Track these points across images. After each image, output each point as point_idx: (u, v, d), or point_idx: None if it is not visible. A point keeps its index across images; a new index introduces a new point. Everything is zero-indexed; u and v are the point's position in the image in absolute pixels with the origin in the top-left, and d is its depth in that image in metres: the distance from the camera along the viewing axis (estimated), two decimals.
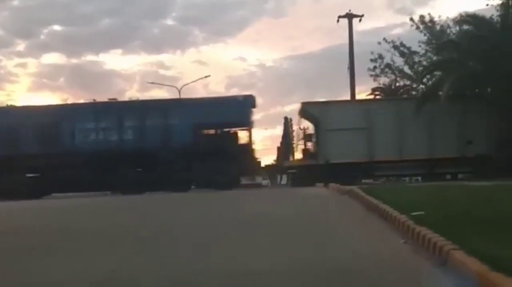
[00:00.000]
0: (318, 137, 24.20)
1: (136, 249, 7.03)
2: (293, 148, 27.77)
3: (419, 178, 25.17)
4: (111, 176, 21.54)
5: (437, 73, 26.61)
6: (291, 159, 26.76)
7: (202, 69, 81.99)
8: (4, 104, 35.08)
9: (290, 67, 78.46)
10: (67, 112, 23.14)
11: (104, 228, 8.91)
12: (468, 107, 22.67)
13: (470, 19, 24.95)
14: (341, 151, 22.61)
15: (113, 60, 78.75)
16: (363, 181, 22.79)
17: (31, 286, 5.40)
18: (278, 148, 28.33)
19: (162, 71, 76.04)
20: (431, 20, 34.71)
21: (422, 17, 34.93)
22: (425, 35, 34.58)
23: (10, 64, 77.75)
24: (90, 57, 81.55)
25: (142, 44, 79.44)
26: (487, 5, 27.88)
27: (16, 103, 38.03)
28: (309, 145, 26.27)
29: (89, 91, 74.13)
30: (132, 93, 73.10)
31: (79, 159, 21.28)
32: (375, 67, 37.52)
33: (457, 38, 27.63)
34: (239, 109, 22.28)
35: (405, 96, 34.97)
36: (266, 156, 47.39)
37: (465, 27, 26.34)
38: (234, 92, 75.51)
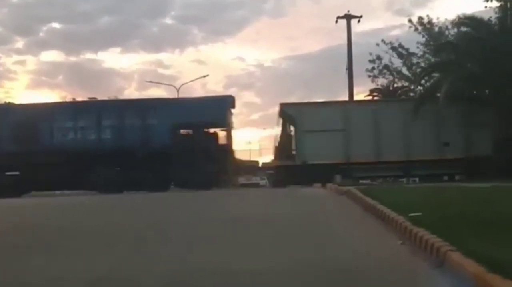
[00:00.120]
0: (295, 138, 24.27)
1: (133, 247, 7.03)
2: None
3: (417, 179, 25.23)
4: (89, 175, 21.69)
5: (435, 74, 26.65)
6: (271, 160, 26.79)
7: (201, 68, 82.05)
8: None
9: (289, 67, 78.66)
10: (46, 111, 23.22)
11: (99, 227, 8.93)
12: (464, 108, 22.80)
13: (468, 21, 25.00)
14: (318, 152, 22.76)
15: (112, 59, 78.91)
16: (340, 182, 22.91)
17: (27, 285, 5.39)
18: (276, 148, 28.30)
19: (160, 70, 76.20)
20: (430, 22, 34.75)
21: (420, 18, 34.99)
22: (423, 36, 34.62)
23: (9, 61, 77.93)
24: (89, 55, 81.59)
25: (141, 43, 79.55)
26: (486, 7, 27.99)
27: (14, 100, 37.98)
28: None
29: (87, 89, 74.18)
30: (131, 91, 73.12)
31: (58, 158, 21.41)
32: (373, 68, 37.55)
33: (455, 40, 27.68)
34: (217, 110, 22.48)
35: (403, 97, 35.03)
36: (265, 156, 47.52)
37: (463, 29, 26.38)
38: (233, 91, 75.64)
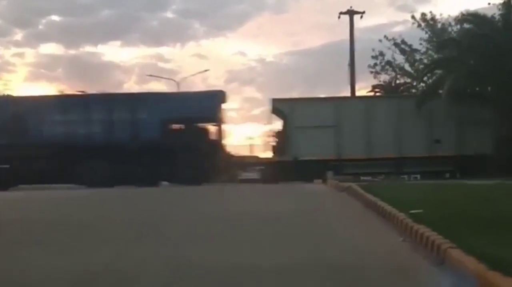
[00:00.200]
0: (287, 133, 24.27)
1: (130, 242, 7.05)
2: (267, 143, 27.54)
3: (418, 176, 25.19)
4: (78, 169, 21.70)
5: (438, 71, 26.60)
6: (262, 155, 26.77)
7: (202, 63, 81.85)
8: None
9: (290, 63, 78.33)
10: (36, 104, 23.21)
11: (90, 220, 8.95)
12: (464, 106, 22.75)
13: (471, 17, 24.95)
14: (309, 148, 22.79)
15: (112, 52, 78.57)
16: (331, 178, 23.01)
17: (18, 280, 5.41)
18: (277, 143, 28.18)
19: (161, 64, 75.90)
20: (433, 18, 34.66)
21: (423, 14, 34.89)
22: (426, 33, 34.54)
23: (8, 53, 77.74)
24: (88, 48, 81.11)
25: (141, 36, 79.20)
26: (489, 4, 27.91)
27: (13, 92, 37.92)
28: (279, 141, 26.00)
29: (86, 83, 74.11)
30: (130, 85, 72.76)
31: (47, 151, 21.42)
32: (375, 64, 37.47)
33: (458, 37, 27.61)
34: (208, 105, 22.47)
35: (405, 93, 34.94)
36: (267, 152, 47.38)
37: (466, 25, 26.31)
38: (234, 86, 75.14)
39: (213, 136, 23.27)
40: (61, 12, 77.28)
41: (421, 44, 34.95)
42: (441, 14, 34.68)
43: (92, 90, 31.45)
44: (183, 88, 38.62)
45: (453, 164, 23.30)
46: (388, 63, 37.33)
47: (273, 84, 73.55)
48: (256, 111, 72.34)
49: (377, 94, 38.25)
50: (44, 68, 76.12)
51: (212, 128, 23.37)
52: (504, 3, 25.17)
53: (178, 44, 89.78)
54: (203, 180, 21.45)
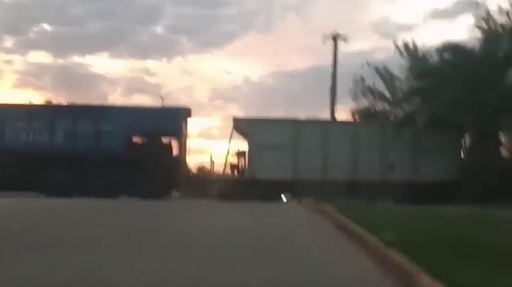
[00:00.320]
0: (248, 152, 24.38)
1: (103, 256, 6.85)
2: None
3: (391, 200, 25.13)
4: (39, 178, 21.59)
5: (417, 99, 26.88)
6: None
7: (187, 78, 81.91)
8: None
9: (275, 84, 78.56)
10: (0, 112, 23.22)
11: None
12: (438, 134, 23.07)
13: (451, 48, 25.32)
14: (267, 168, 22.90)
15: (99, 63, 78.01)
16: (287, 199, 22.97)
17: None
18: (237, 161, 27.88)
19: (147, 78, 75.68)
20: (414, 46, 35.08)
21: (406, 45, 35.31)
22: (407, 61, 34.90)
23: None
24: (76, 59, 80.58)
25: (129, 49, 78.91)
26: (469, 37, 28.36)
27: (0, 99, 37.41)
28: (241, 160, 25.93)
29: (72, 93, 73.17)
30: (115, 97, 72.32)
31: (9, 159, 21.41)
32: (356, 89, 37.75)
33: (438, 66, 27.97)
34: (172, 120, 22.78)
35: (383, 119, 35.17)
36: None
37: (446, 56, 26.68)
38: (218, 104, 74.99)
39: (175, 151, 23.31)
40: (52, 21, 76.63)
41: (401, 71, 35.31)
42: (423, 45, 35.15)
43: (78, 100, 31.16)
44: (167, 103, 38.54)
45: (408, 190, 23.01)
46: (368, 89, 37.63)
47: (257, 104, 73.78)
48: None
49: (357, 120, 38.47)
50: (32, 76, 75.43)
51: (175, 143, 23.37)
52: (483, 36, 25.64)
53: (165, 59, 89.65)
54: (163, 194, 21.38)
